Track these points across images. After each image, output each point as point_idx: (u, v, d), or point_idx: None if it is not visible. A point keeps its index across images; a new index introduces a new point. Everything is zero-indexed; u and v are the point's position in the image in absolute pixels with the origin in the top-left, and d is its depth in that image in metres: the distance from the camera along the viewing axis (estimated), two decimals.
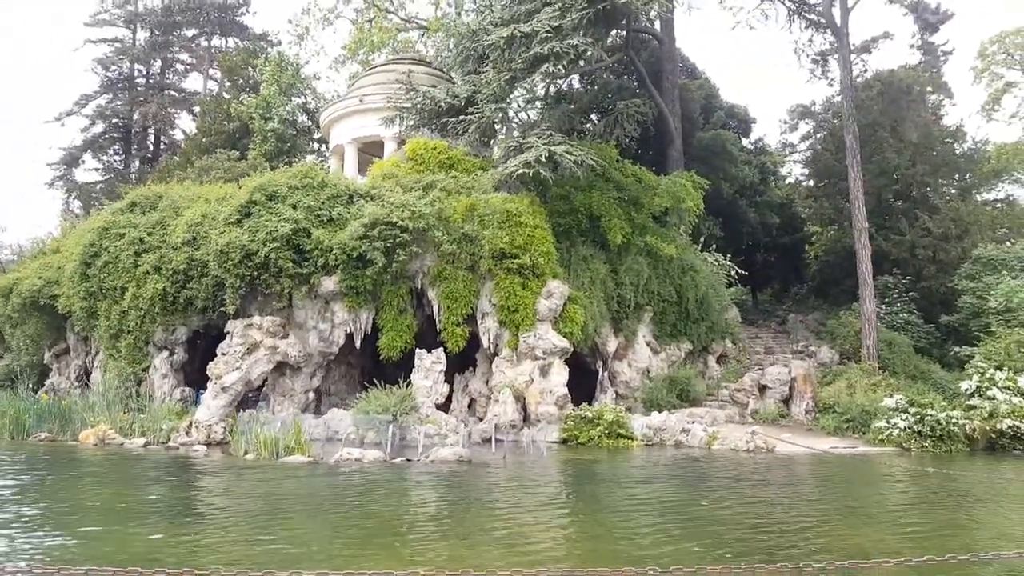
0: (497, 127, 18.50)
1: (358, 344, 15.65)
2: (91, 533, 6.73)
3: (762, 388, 17.64)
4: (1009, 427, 13.60)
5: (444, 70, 24.76)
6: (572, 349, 15.51)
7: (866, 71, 29.06)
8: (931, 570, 5.34)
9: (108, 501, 8.41)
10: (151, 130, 42.21)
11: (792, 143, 34.27)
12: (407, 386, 14.26)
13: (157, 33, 42.53)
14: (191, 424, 13.68)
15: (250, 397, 15.63)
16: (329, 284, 14.93)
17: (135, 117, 40.78)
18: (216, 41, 44.65)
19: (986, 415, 14.00)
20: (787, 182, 33.37)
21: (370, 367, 17.03)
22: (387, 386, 14.17)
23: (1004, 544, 6.60)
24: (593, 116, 23.84)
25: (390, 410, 13.42)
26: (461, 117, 17.48)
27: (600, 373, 17.15)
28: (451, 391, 15.42)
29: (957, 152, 25.47)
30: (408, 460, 11.48)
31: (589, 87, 25.11)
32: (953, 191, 25.68)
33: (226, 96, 33.81)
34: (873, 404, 15.04)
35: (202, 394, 14.91)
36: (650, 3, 17.80)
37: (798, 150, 34.13)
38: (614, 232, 17.14)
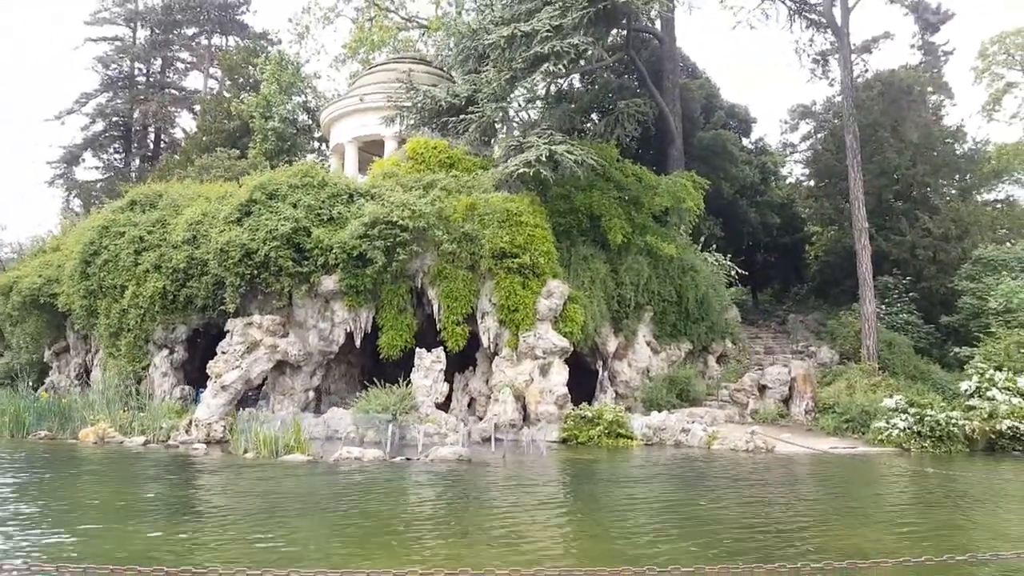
0: (497, 126, 18.50)
1: (358, 343, 15.66)
2: (90, 531, 6.74)
3: (762, 388, 17.65)
4: (1008, 428, 13.60)
5: (444, 69, 24.76)
6: (572, 349, 15.51)
7: (867, 71, 29.07)
8: (929, 570, 5.34)
9: (107, 499, 8.41)
10: (151, 128, 42.22)
11: (793, 143, 34.28)
12: (407, 385, 14.27)
13: (157, 31, 42.52)
14: (191, 422, 13.69)
15: (250, 396, 15.64)
16: (329, 283, 14.94)
17: (135, 115, 40.78)
18: (216, 40, 44.68)
19: (986, 416, 14.00)
20: (787, 182, 33.35)
21: (370, 366, 17.03)
22: (387, 385, 14.18)
23: (1000, 545, 6.61)
24: (594, 115, 23.83)
25: (390, 409, 13.42)
26: (461, 116, 17.47)
27: (600, 373, 17.15)
28: (451, 390, 15.43)
29: (957, 152, 25.46)
30: (408, 459, 11.49)
31: (590, 86, 25.10)
32: (953, 191, 25.68)
33: (226, 95, 33.80)
34: (873, 404, 15.05)
35: (202, 393, 14.93)
36: (650, 2, 17.80)
37: (799, 150, 34.12)
38: (614, 232, 17.14)
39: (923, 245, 22.81)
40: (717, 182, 23.93)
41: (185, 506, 8.05)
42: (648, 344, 18.19)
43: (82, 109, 40.44)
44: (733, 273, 22.25)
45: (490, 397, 15.38)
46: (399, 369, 15.11)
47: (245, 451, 12.14)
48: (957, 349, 18.55)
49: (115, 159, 41.82)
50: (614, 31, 21.68)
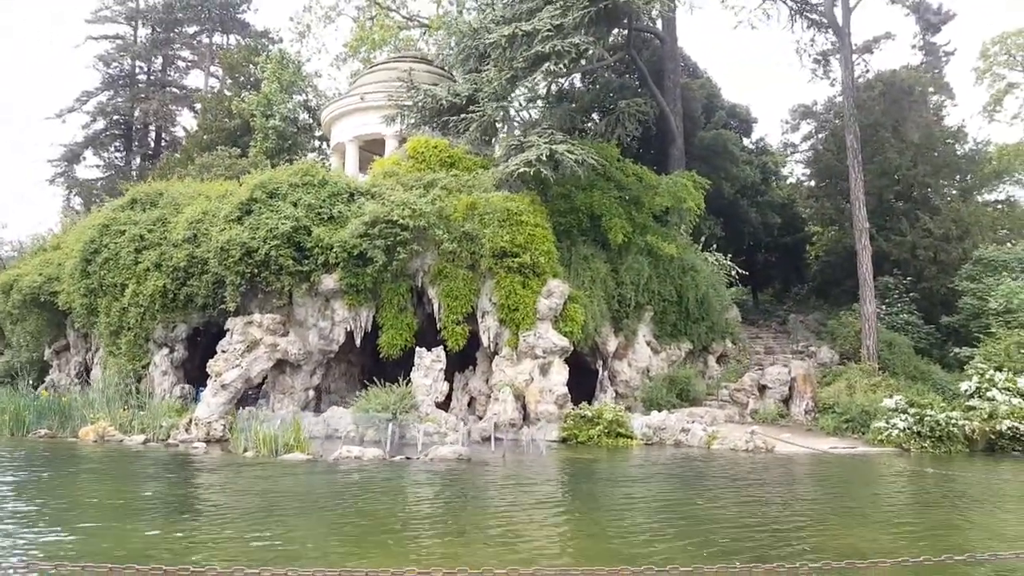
0: (498, 126, 18.48)
1: (358, 342, 15.66)
2: (89, 529, 6.74)
3: (762, 388, 17.65)
4: (1008, 428, 13.60)
5: (445, 68, 24.75)
6: (572, 348, 15.51)
7: (868, 71, 29.04)
8: (928, 570, 5.34)
9: (106, 497, 8.42)
10: (152, 127, 42.23)
11: (794, 143, 34.28)
12: (407, 384, 14.27)
13: (158, 30, 42.54)
14: (191, 421, 13.69)
15: (250, 395, 15.66)
16: (329, 282, 14.94)
17: (136, 114, 40.78)
18: (217, 38, 44.71)
19: (986, 416, 13.99)
20: (788, 182, 33.34)
21: (370, 365, 17.04)
22: (387, 384, 14.18)
23: (997, 545, 6.60)
24: (594, 115, 23.83)
25: (390, 408, 13.42)
26: (462, 115, 17.47)
27: (600, 372, 17.15)
28: (451, 390, 15.43)
29: (958, 153, 25.44)
30: (407, 458, 11.49)
31: (590, 86, 25.10)
32: (954, 192, 25.67)
33: (227, 93, 33.79)
34: (873, 404, 15.05)
35: (202, 391, 14.94)
36: (651, 2, 17.79)
37: (799, 150, 34.12)
38: (615, 231, 17.14)
39: (924, 245, 22.80)
40: (718, 182, 23.92)
41: (184, 504, 8.05)
42: (648, 344, 18.19)
43: (83, 107, 40.45)
44: (733, 273, 22.24)
45: (490, 396, 15.38)
46: (399, 368, 15.11)
47: (245, 450, 12.14)
48: (957, 349, 18.54)
49: (116, 157, 41.83)
50: (615, 31, 21.68)
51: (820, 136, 30.14)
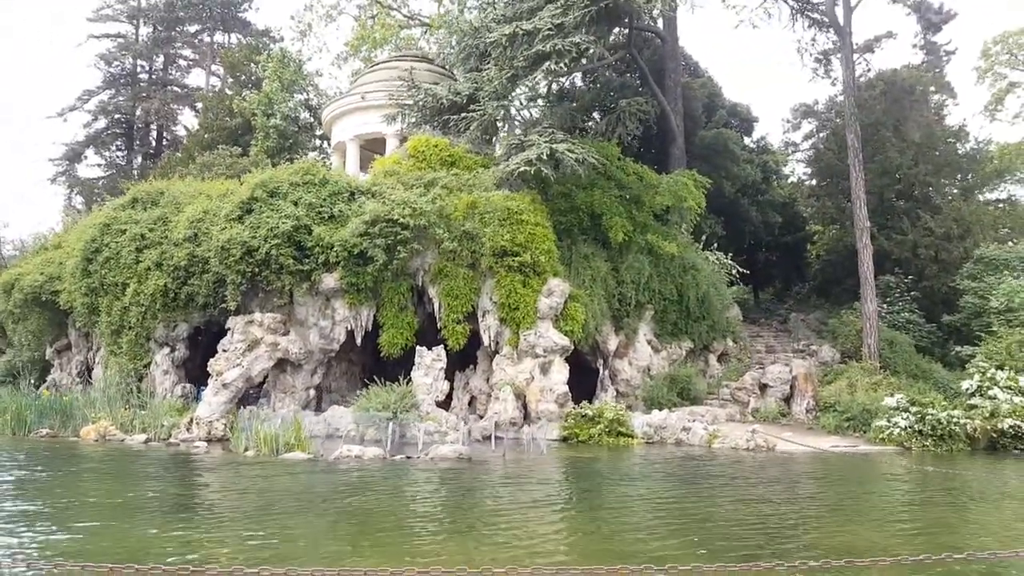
0: (499, 125, 18.47)
1: (359, 341, 15.67)
2: (89, 528, 6.75)
3: (763, 387, 17.65)
4: (1010, 427, 13.57)
5: (446, 67, 24.75)
6: (573, 347, 15.51)
7: (869, 70, 28.98)
8: (928, 568, 5.34)
9: (107, 497, 8.43)
10: (153, 126, 42.25)
11: (795, 142, 34.25)
12: (407, 383, 14.28)
13: (160, 29, 42.57)
14: (192, 420, 13.71)
15: (251, 394, 15.66)
16: (330, 281, 14.95)
17: (137, 113, 40.81)
18: (219, 37, 44.74)
19: (987, 414, 13.98)
20: (789, 181, 33.32)
21: (371, 364, 17.04)
22: (388, 383, 14.19)
23: (992, 543, 6.60)
24: (595, 114, 23.83)
25: (390, 407, 13.43)
26: (463, 114, 17.46)
27: (601, 371, 17.15)
28: (452, 389, 15.44)
29: (960, 152, 25.42)
30: (408, 457, 11.50)
31: (591, 85, 25.09)
32: (955, 191, 25.65)
33: (228, 92, 33.81)
34: (874, 403, 15.04)
35: (203, 391, 14.94)
36: (652, 1, 17.78)
37: (801, 149, 34.10)
38: (615, 230, 17.13)
39: (925, 244, 22.79)
40: (719, 181, 23.91)
41: (184, 504, 8.06)
42: (649, 343, 18.19)
43: (84, 106, 40.48)
44: (734, 272, 22.23)
45: (491, 395, 15.38)
46: (400, 367, 15.12)
47: (246, 449, 12.15)
48: (959, 348, 18.54)
49: (117, 156, 41.86)
50: (616, 30, 21.67)
51: (821, 135, 30.12)
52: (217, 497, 8.81)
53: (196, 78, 44.77)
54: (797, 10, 23.63)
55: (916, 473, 11.38)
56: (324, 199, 15.39)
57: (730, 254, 22.60)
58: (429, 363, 14.64)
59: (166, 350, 16.12)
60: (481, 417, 15.19)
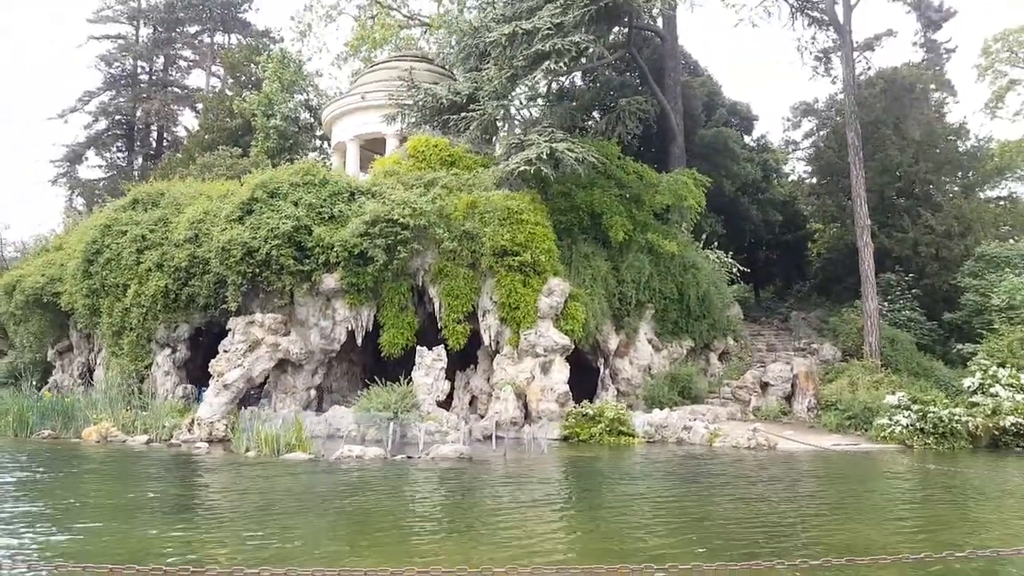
0: (499, 124, 18.47)
1: (359, 341, 15.68)
2: (89, 529, 6.76)
3: (764, 385, 17.64)
4: (1012, 424, 13.56)
5: (446, 67, 24.75)
6: (573, 346, 15.51)
7: (869, 68, 28.96)
8: (928, 567, 5.34)
9: (107, 498, 8.44)
10: (154, 127, 42.29)
11: (795, 140, 34.23)
12: (408, 383, 14.29)
13: (160, 30, 42.60)
14: (193, 421, 13.70)
15: (252, 394, 15.68)
16: (330, 281, 14.95)
17: (138, 114, 40.85)
18: (219, 38, 44.77)
19: (989, 412, 13.96)
20: (790, 179, 33.33)
21: (371, 364, 17.05)
22: (388, 383, 14.20)
23: (993, 541, 6.59)
24: (595, 113, 23.82)
25: (391, 407, 13.43)
26: (463, 114, 17.47)
27: (601, 370, 17.15)
28: (452, 388, 15.44)
29: (960, 149, 25.40)
30: (409, 457, 11.50)
31: (591, 84, 25.08)
32: (956, 188, 25.64)
33: (228, 93, 33.85)
34: (875, 401, 15.04)
35: (204, 391, 14.96)
36: (652, 1, 17.76)
37: (801, 147, 34.08)
38: (615, 229, 17.13)
39: (925, 242, 22.77)
40: (719, 180, 23.91)
41: (184, 504, 8.07)
42: (650, 342, 18.18)
43: (85, 107, 40.55)
44: (735, 270, 22.23)
45: (491, 395, 15.39)
46: (400, 367, 15.13)
47: (247, 450, 12.16)
48: (960, 346, 18.53)
49: (118, 157, 41.90)
50: (615, 29, 21.66)
51: (821, 133, 30.10)
52: (218, 497, 8.81)
53: (196, 79, 44.89)
54: (797, 8, 23.62)
55: (917, 471, 11.36)
56: (324, 199, 15.39)
57: (730, 253, 22.60)
58: (430, 363, 14.64)
59: (167, 351, 16.13)
60: (482, 417, 15.19)
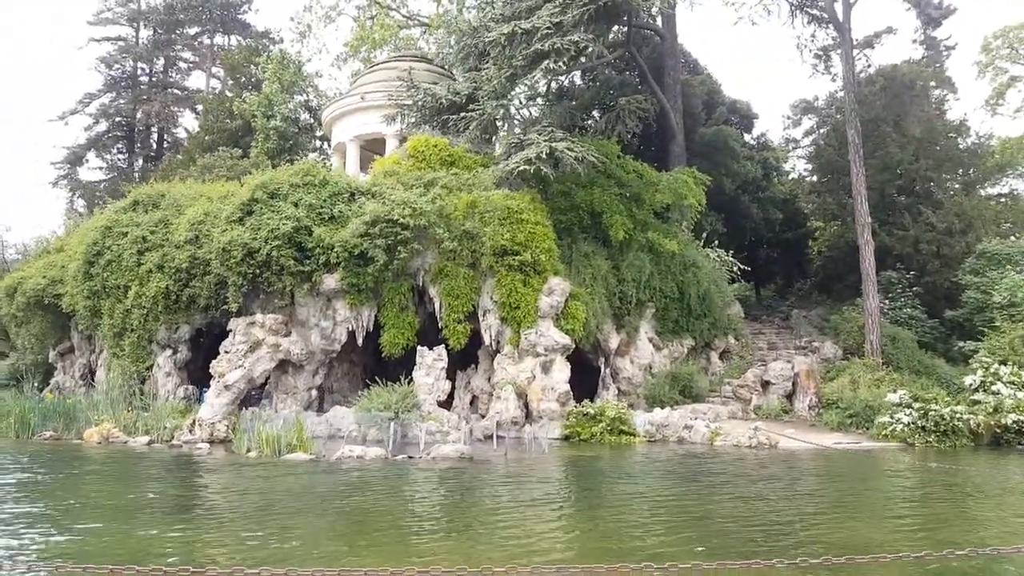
0: (498, 124, 18.47)
1: (360, 342, 15.68)
2: (90, 530, 6.77)
3: (765, 384, 17.64)
4: (1014, 422, 13.53)
5: (445, 67, 24.76)
6: (574, 346, 15.50)
7: (869, 66, 28.94)
8: (928, 565, 5.33)
9: (108, 498, 8.45)
10: (154, 128, 42.33)
11: (795, 138, 34.18)
12: (409, 383, 14.29)
13: (160, 31, 42.64)
14: (194, 422, 13.71)
15: (253, 395, 15.69)
16: (331, 282, 14.96)
17: (138, 115, 40.90)
18: (219, 39, 44.81)
19: (991, 410, 13.95)
20: (790, 177, 33.28)
21: (372, 364, 17.06)
22: (389, 384, 14.20)
23: (993, 539, 6.58)
24: (595, 112, 23.80)
25: (392, 407, 13.44)
26: (462, 114, 17.47)
27: (602, 370, 17.14)
28: (453, 388, 15.44)
29: (961, 147, 25.35)
30: (410, 457, 11.50)
31: (590, 83, 25.07)
32: (957, 186, 25.58)
33: (228, 94, 33.88)
34: (877, 399, 15.02)
35: (205, 392, 14.97)
36: None
37: (801, 145, 34.04)
38: (616, 228, 17.12)
39: (926, 240, 22.74)
40: (719, 178, 23.89)
41: (185, 505, 8.07)
42: (650, 340, 18.17)
43: (85, 109, 40.60)
44: (735, 269, 22.22)
45: (492, 395, 15.39)
46: (401, 367, 15.13)
47: (248, 450, 12.17)
48: (961, 343, 18.51)
49: (118, 159, 41.96)
50: (615, 28, 21.63)
51: (821, 131, 30.05)
52: (218, 498, 8.82)
53: (196, 80, 44.94)
54: (796, 6, 23.60)
55: (919, 469, 11.35)
56: (324, 200, 15.40)
57: (731, 251, 22.59)
58: (430, 363, 14.65)
59: (168, 352, 16.15)
60: (483, 416, 15.20)
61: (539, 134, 16.45)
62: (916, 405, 14.03)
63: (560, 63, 16.98)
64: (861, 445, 13.59)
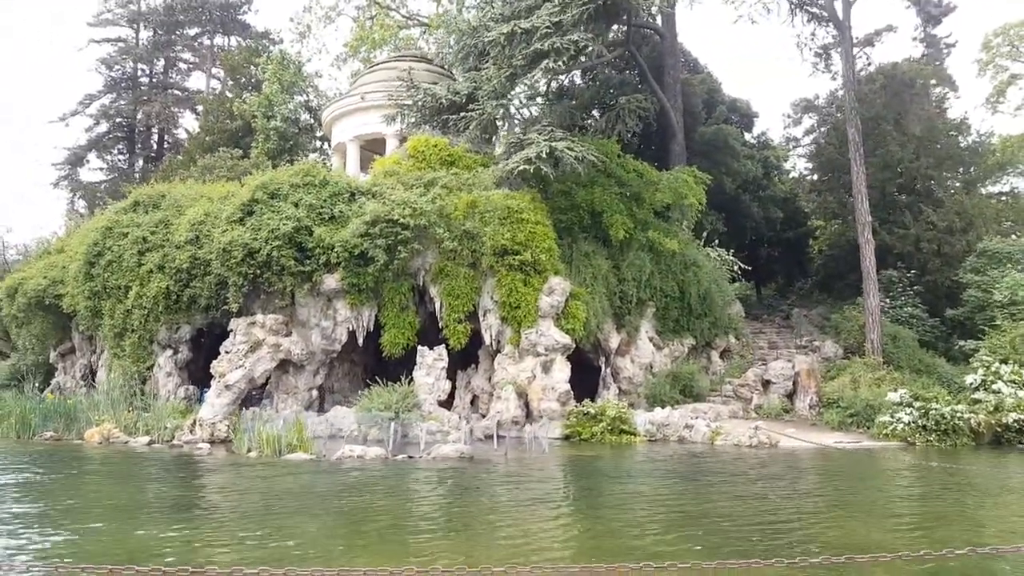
0: (498, 123, 18.47)
1: (360, 341, 15.69)
2: (90, 530, 6.77)
3: (766, 383, 17.63)
4: (1014, 421, 13.52)
5: (445, 67, 24.76)
6: (574, 345, 15.49)
7: (869, 64, 28.87)
8: (927, 564, 5.33)
9: (108, 498, 8.46)
10: (155, 129, 42.36)
11: (795, 137, 34.15)
12: (409, 383, 14.30)
13: (160, 32, 42.65)
14: (195, 422, 13.72)
15: (254, 395, 15.70)
16: (331, 282, 14.97)
17: (139, 116, 40.93)
18: (219, 40, 44.81)
19: (991, 409, 13.94)
20: (791, 176, 33.27)
21: (373, 364, 17.07)
22: (390, 383, 14.21)
23: (993, 538, 6.57)
24: (594, 112, 23.78)
25: (392, 407, 13.44)
26: (462, 114, 17.47)
27: (603, 369, 17.14)
28: (453, 388, 15.45)
29: (961, 145, 25.32)
30: (410, 457, 11.51)
31: (590, 83, 25.05)
32: (957, 184, 25.55)
33: (229, 95, 33.88)
34: (877, 398, 15.02)
35: (206, 392, 14.99)
36: None
37: (801, 144, 34.00)
38: (616, 228, 17.11)
39: (927, 238, 22.72)
40: (719, 177, 23.88)
41: (184, 505, 8.08)
42: (651, 340, 18.16)
43: (86, 110, 40.62)
44: (736, 268, 22.20)
45: (492, 394, 15.39)
46: (402, 367, 15.13)
47: (248, 450, 12.17)
48: (962, 342, 18.50)
49: (119, 160, 41.99)
50: (614, 27, 21.61)
51: (822, 130, 30.03)
52: (218, 498, 8.82)
53: (196, 81, 44.95)
54: (796, 4, 23.57)
55: (919, 468, 11.34)
56: (324, 200, 15.41)
57: (731, 250, 22.57)
58: (431, 363, 14.65)
59: (169, 352, 16.16)
60: (483, 416, 15.20)
61: (539, 134, 16.45)
62: (917, 404, 14.03)
63: (560, 62, 16.97)
64: (862, 444, 13.59)
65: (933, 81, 26.75)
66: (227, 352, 14.84)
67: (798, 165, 34.99)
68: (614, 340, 17.28)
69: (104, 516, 7.44)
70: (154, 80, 43.13)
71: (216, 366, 14.70)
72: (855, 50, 24.57)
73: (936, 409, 13.73)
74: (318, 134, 30.90)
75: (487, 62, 17.89)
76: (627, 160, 19.39)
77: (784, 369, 17.49)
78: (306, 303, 15.44)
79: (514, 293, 15.07)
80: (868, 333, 18.63)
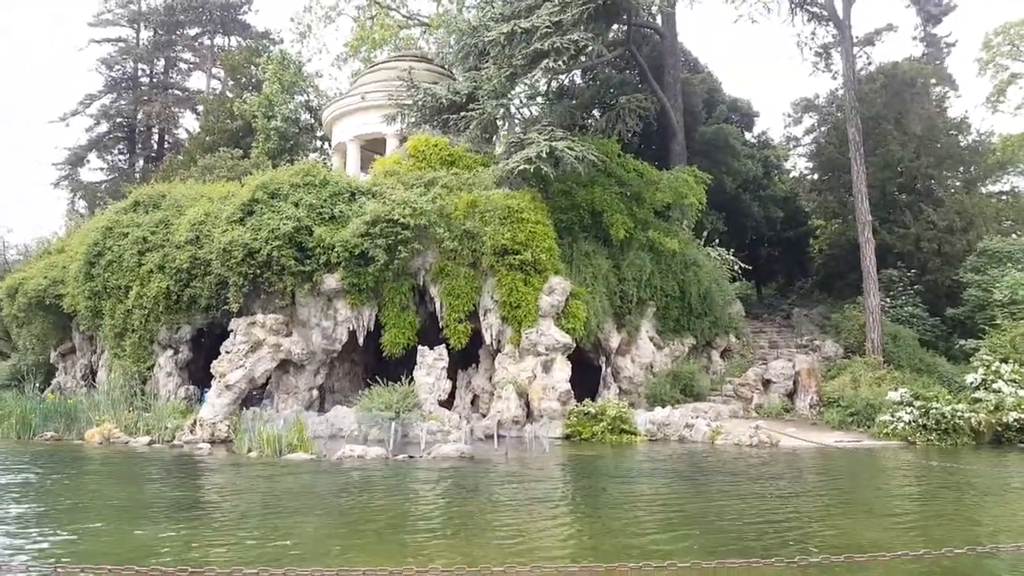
0: (498, 123, 18.47)
1: (361, 341, 15.70)
2: (89, 530, 6.77)
3: (766, 383, 17.63)
4: (1015, 420, 13.52)
5: (445, 67, 24.76)
6: (575, 345, 15.49)
7: (869, 64, 28.89)
8: (928, 563, 5.33)
9: (108, 499, 8.46)
10: (155, 129, 42.40)
11: (796, 136, 34.18)
12: (410, 383, 14.30)
13: (160, 32, 42.69)
14: (195, 422, 13.71)
15: (254, 395, 15.71)
16: (332, 282, 14.97)
17: (139, 116, 40.97)
18: (219, 40, 44.86)
19: (992, 408, 13.93)
20: (791, 176, 33.28)
21: (373, 364, 17.08)
22: (390, 383, 14.21)
23: (993, 537, 6.57)
24: (595, 111, 23.77)
25: (393, 407, 13.45)
26: (462, 113, 17.47)
27: (603, 369, 17.14)
28: (454, 388, 15.45)
29: (962, 144, 25.32)
30: (410, 457, 11.51)
31: (590, 82, 25.05)
32: (958, 183, 25.56)
33: (229, 95, 33.90)
34: (878, 398, 15.02)
35: (206, 392, 14.99)
36: None
37: (802, 143, 34.03)
38: (616, 227, 17.11)
39: (927, 237, 22.72)
40: (719, 176, 23.89)
41: (184, 505, 8.08)
42: (651, 339, 18.17)
43: (86, 110, 40.66)
44: (736, 267, 22.21)
45: (493, 394, 15.39)
46: (402, 367, 15.14)
47: (249, 450, 12.17)
48: (963, 341, 18.49)
49: (119, 160, 42.02)
50: (614, 26, 21.62)
51: (822, 129, 30.04)
52: (218, 498, 8.82)
53: (197, 81, 45.01)
54: (796, 4, 23.55)
55: (919, 468, 11.33)
56: (325, 200, 15.41)
57: (732, 250, 22.58)
58: (431, 362, 14.65)
59: (169, 352, 16.17)
60: (484, 416, 15.20)
61: (539, 133, 16.45)
62: (917, 403, 14.03)
63: (560, 62, 16.97)
64: (862, 443, 13.59)
65: (933, 80, 26.74)
66: (227, 352, 14.85)
67: (798, 164, 35.05)
68: (614, 340, 17.28)
69: (104, 516, 7.44)
70: (154, 80, 43.16)
71: (216, 366, 14.71)
72: (855, 49, 24.57)
73: (936, 408, 13.73)
74: (318, 134, 30.91)
75: (487, 62, 17.90)
76: (627, 160, 19.39)
77: (784, 368, 17.49)
78: (306, 303, 15.45)
79: (514, 293, 15.07)
80: (868, 332, 18.63)
